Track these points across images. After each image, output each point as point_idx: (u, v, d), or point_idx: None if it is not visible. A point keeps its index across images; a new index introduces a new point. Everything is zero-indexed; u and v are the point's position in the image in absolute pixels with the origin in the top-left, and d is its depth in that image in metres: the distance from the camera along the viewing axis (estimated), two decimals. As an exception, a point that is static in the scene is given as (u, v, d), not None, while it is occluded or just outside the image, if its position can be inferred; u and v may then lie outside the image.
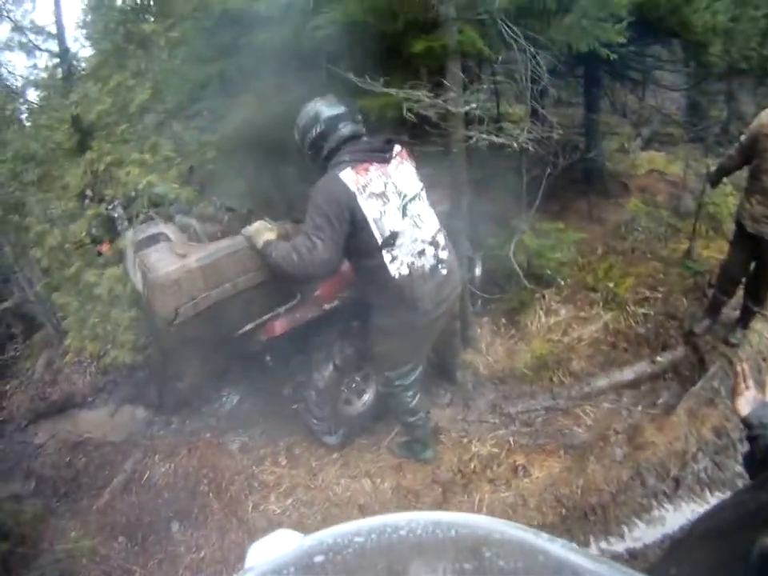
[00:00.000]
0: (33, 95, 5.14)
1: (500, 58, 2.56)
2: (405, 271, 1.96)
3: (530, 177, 2.66)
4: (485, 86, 2.14)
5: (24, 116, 5.17)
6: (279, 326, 2.29)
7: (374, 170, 1.92)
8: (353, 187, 1.85)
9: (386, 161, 1.98)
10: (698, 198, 3.36)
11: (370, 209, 1.87)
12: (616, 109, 3.98)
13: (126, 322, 3.19)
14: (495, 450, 2.47)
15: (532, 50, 2.26)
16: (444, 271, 2.05)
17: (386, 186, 1.92)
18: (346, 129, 1.99)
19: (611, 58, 2.71)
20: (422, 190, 2.08)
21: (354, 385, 2.60)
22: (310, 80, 2.71)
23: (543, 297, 3.13)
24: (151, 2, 4.15)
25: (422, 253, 1.99)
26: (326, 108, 2.02)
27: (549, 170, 2.77)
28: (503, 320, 3.14)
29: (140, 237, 2.57)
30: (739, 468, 2.43)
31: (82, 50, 4.88)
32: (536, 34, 2.43)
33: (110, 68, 3.97)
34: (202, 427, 3.10)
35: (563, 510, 2.32)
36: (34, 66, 5.06)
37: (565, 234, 2.93)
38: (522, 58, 2.22)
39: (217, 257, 2.16)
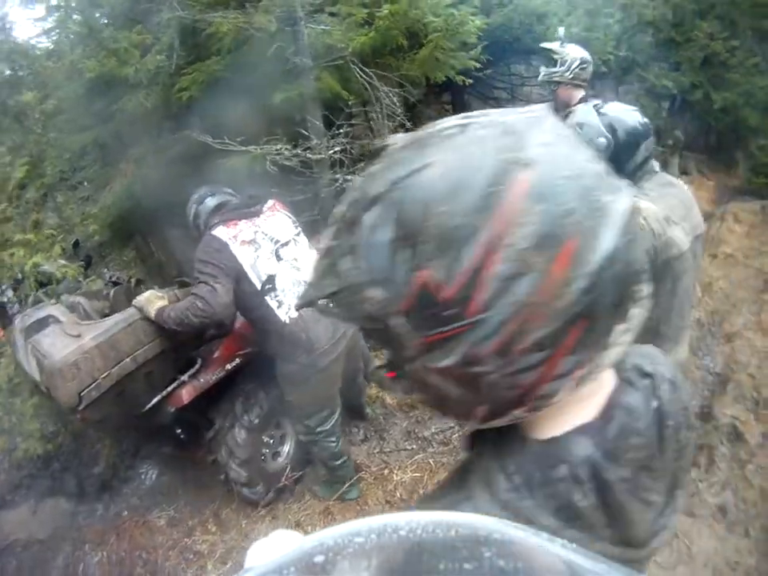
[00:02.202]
0: None
1: (364, 100, 2.68)
2: (294, 314, 2.01)
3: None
4: (344, 130, 2.23)
5: None
6: (186, 394, 2.23)
7: (243, 223, 2.04)
8: (224, 238, 1.97)
9: (255, 214, 2.08)
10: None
11: (243, 255, 1.97)
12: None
13: (31, 411, 3.03)
14: (417, 474, 2.49)
15: (385, 88, 2.38)
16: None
17: (255, 234, 2.03)
18: (212, 201, 2.15)
19: (465, 83, 2.91)
20: (297, 235, 2.17)
21: (272, 441, 2.56)
22: (183, 142, 2.73)
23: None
24: (24, 74, 4.03)
25: None
26: (195, 194, 2.22)
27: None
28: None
29: (28, 322, 2.42)
30: None
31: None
32: (388, 72, 2.57)
33: (-14, 144, 3.82)
34: (127, 508, 2.96)
35: (497, 517, 2.38)
36: None
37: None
38: (375, 96, 2.34)
39: (112, 333, 2.07)
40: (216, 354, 2.30)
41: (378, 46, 2.68)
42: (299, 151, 2.13)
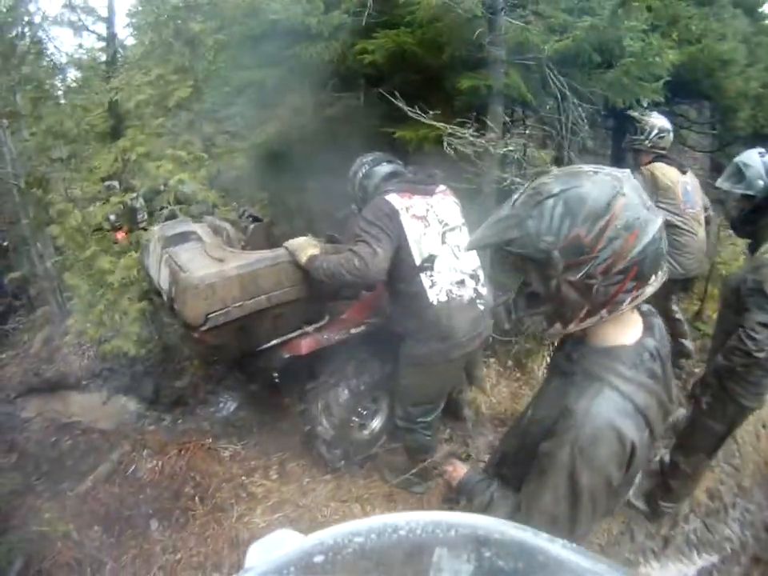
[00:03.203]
0: (73, 74, 5.21)
1: (542, 106, 2.59)
2: (443, 298, 1.98)
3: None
4: (526, 132, 2.16)
5: (61, 93, 5.23)
6: (305, 346, 2.23)
7: (417, 198, 2.02)
8: (397, 206, 1.95)
9: (429, 192, 2.06)
10: (711, 258, 3.36)
11: (411, 228, 1.95)
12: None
13: (135, 314, 3.17)
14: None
15: (575, 101, 2.28)
16: (481, 306, 2.07)
17: (427, 212, 2.00)
18: (387, 167, 2.13)
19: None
20: (463, 225, 2.13)
21: (364, 411, 2.55)
22: (348, 101, 2.75)
23: (551, 344, 3.00)
24: (202, 2, 4.22)
25: (461, 283, 2.02)
26: (368, 156, 2.20)
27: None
28: (510, 362, 3.08)
29: (169, 233, 2.48)
30: (729, 532, 2.44)
31: (129, 38, 4.92)
32: (580, 85, 2.46)
33: (154, 60, 4.03)
34: (195, 429, 3.04)
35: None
36: (80, 46, 5.12)
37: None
38: (564, 107, 2.24)
39: (257, 267, 2.07)
40: (345, 315, 2.29)
41: (570, 55, 2.58)
42: (482, 141, 2.07)
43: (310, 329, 2.22)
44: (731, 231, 2.80)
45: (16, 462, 3.20)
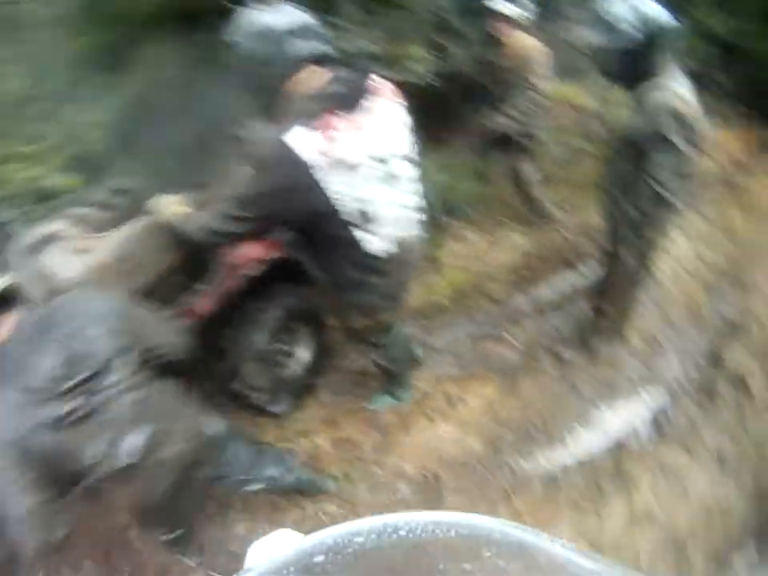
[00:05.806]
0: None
1: None
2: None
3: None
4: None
5: None
6: (200, 307, 2.08)
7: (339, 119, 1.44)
8: (305, 155, 1.39)
9: (356, 105, 1.50)
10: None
11: (333, 182, 1.49)
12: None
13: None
14: (425, 384, 2.47)
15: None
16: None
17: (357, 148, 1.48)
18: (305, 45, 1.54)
19: None
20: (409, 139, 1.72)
21: (284, 347, 2.46)
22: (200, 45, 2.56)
23: (452, 227, 3.11)
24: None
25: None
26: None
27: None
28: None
29: (29, 242, 2.17)
30: (670, 367, 2.55)
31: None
32: None
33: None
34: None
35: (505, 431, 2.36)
36: None
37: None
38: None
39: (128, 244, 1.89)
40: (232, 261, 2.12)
41: None
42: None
43: (202, 287, 2.09)
44: None
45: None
